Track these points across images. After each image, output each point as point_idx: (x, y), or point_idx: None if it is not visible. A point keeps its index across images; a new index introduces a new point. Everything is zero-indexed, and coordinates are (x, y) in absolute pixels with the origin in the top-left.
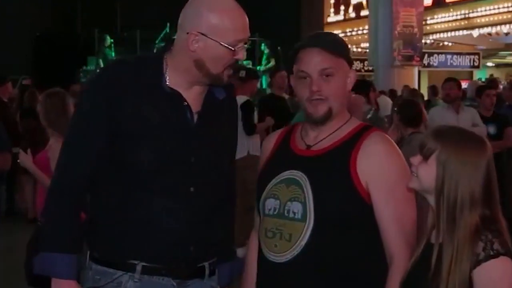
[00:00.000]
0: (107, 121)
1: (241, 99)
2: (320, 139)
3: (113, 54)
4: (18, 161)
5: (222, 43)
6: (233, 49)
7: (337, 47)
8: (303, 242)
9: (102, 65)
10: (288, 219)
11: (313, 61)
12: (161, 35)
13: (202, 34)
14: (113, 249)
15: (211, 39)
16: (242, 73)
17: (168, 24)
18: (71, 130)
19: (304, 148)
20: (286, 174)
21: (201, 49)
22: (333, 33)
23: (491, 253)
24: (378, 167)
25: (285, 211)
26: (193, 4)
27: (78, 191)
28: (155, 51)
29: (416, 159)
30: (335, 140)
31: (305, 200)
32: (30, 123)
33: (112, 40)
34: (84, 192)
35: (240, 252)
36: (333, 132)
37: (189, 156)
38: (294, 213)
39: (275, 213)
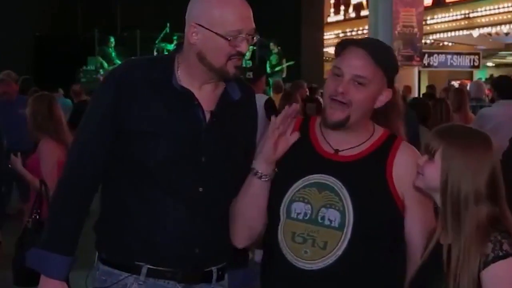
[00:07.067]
0: (116, 119)
1: (261, 98)
2: (349, 145)
3: (113, 54)
4: (9, 165)
5: (219, 33)
6: (229, 39)
7: (383, 59)
8: (340, 252)
9: (104, 65)
10: (323, 226)
11: (352, 63)
12: (161, 35)
13: (200, 25)
14: (120, 250)
15: (209, 29)
16: (249, 74)
17: (168, 24)
18: (81, 130)
19: (332, 152)
20: (316, 177)
21: (200, 41)
22: (389, 47)
23: (500, 253)
24: (412, 177)
25: (319, 218)
26: None
27: (86, 192)
28: (155, 51)
29: (422, 159)
30: (365, 148)
31: (344, 208)
32: None
33: (113, 41)
34: (92, 193)
35: (258, 255)
36: (362, 142)
37: (200, 156)
38: (331, 221)
39: (306, 218)
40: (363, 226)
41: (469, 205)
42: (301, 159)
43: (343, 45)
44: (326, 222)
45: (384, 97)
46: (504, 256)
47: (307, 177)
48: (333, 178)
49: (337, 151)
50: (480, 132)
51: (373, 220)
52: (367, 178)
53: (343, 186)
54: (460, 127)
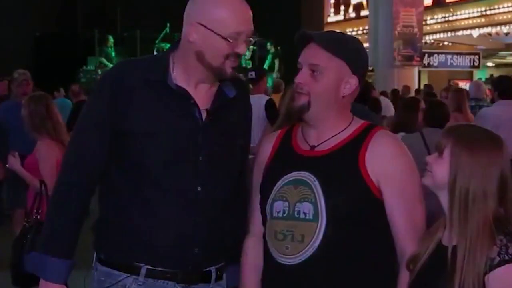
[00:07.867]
0: (113, 120)
1: (262, 98)
2: (324, 139)
3: (113, 54)
4: (7, 165)
5: (220, 34)
6: (231, 41)
7: (336, 47)
8: (317, 243)
9: (105, 64)
10: (299, 220)
11: (305, 54)
12: (161, 35)
13: (201, 24)
14: (118, 251)
15: (210, 29)
16: (252, 74)
17: (168, 24)
18: (77, 131)
19: (308, 148)
20: (293, 175)
21: (200, 40)
22: (344, 34)
23: (506, 257)
24: (388, 166)
25: (295, 212)
26: None
27: (83, 193)
28: (155, 51)
29: (432, 157)
30: (340, 140)
31: (316, 199)
32: None
33: (112, 40)
34: (89, 194)
35: None
36: (337, 134)
37: (197, 155)
38: (305, 214)
39: (284, 215)
40: (335, 214)
41: (477, 203)
42: (282, 161)
43: (299, 44)
44: (302, 216)
45: (351, 85)
46: (510, 260)
47: (286, 176)
48: (308, 173)
49: (313, 147)
50: (490, 132)
51: (345, 208)
52: (338, 168)
53: (315, 179)
54: (470, 125)
